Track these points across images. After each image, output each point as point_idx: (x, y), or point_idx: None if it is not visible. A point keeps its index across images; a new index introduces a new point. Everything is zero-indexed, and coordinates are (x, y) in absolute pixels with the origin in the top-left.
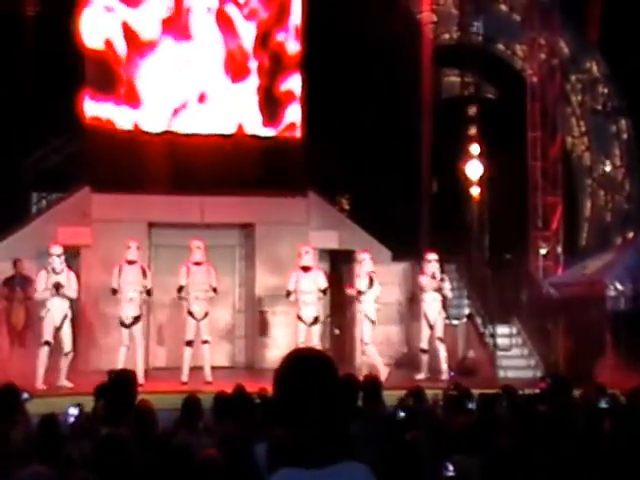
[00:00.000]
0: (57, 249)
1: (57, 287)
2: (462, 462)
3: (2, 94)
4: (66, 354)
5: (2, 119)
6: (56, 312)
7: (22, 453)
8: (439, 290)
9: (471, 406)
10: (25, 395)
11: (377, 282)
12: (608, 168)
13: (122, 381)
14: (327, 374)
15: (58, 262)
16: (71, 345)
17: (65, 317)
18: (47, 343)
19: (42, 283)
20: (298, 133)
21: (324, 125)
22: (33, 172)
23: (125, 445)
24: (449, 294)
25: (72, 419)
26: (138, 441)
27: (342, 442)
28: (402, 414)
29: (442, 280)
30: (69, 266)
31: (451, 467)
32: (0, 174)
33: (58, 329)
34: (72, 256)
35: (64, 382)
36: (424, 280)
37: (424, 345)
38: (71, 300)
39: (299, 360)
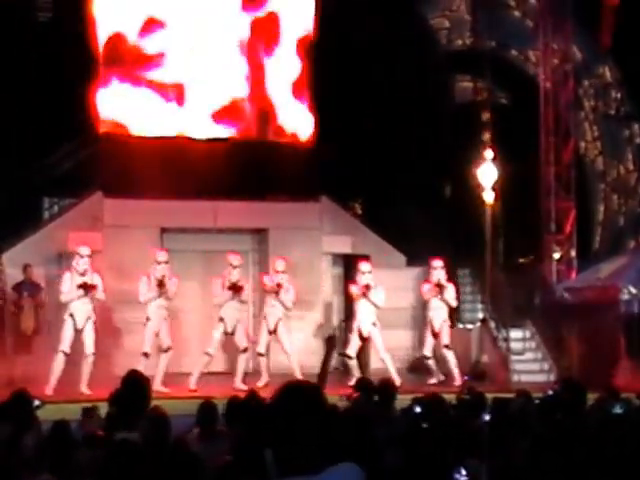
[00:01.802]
0: (85, 250)
1: (85, 288)
2: (475, 467)
3: (14, 99)
4: (87, 357)
5: (14, 124)
6: (79, 314)
7: (33, 460)
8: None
9: (485, 410)
10: (36, 402)
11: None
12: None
13: (135, 386)
14: (315, 401)
15: (83, 263)
16: (93, 348)
17: (88, 319)
18: (64, 353)
19: (67, 284)
20: (311, 138)
21: (337, 130)
22: (45, 177)
23: (136, 451)
24: (453, 303)
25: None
26: (151, 447)
27: (335, 447)
28: (418, 409)
29: (444, 288)
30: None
31: (464, 471)
32: (12, 179)
33: (80, 331)
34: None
35: (84, 389)
36: (425, 288)
37: (427, 352)
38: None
39: (290, 390)
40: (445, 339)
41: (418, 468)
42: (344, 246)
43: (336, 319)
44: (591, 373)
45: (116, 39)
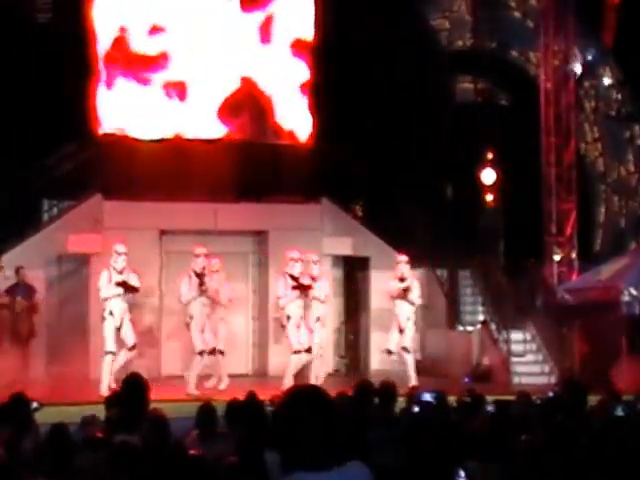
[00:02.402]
0: (122, 247)
1: (124, 287)
2: (474, 469)
3: (13, 100)
4: (129, 349)
5: (13, 125)
6: (117, 312)
7: (31, 463)
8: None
9: (488, 410)
10: (34, 404)
11: None
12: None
13: (134, 388)
14: (322, 403)
15: (121, 261)
16: (134, 340)
17: (125, 315)
18: (111, 353)
19: (105, 281)
20: (311, 139)
21: (338, 131)
22: (44, 179)
23: (136, 454)
24: (417, 301)
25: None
26: (151, 450)
27: (344, 446)
28: (417, 408)
29: (408, 287)
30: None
31: (463, 473)
32: (11, 181)
33: (118, 329)
34: (81, 263)
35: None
36: (392, 285)
37: (392, 347)
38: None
39: (297, 394)
40: (406, 340)
41: (418, 469)
42: (345, 248)
43: (337, 321)
44: (592, 375)
45: (118, 42)
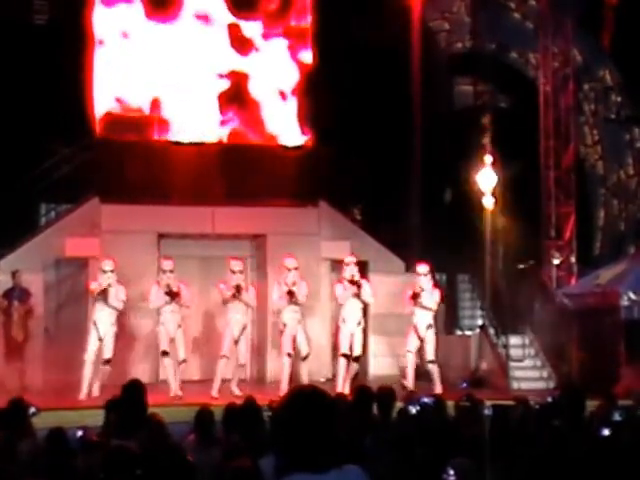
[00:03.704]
0: (169, 264)
1: (170, 295)
2: (463, 465)
3: (11, 103)
4: (180, 362)
5: (11, 129)
6: (170, 324)
7: (28, 467)
8: (357, 296)
9: (486, 415)
10: (32, 409)
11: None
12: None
13: (132, 393)
14: (323, 404)
15: (170, 277)
16: (184, 354)
17: (179, 327)
18: (165, 353)
19: (154, 292)
20: (309, 143)
21: (336, 135)
22: (42, 183)
23: (133, 458)
24: (369, 299)
25: None
26: (149, 454)
27: (342, 449)
28: (414, 410)
29: (358, 284)
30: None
31: (452, 471)
32: (9, 185)
33: (172, 340)
34: (79, 267)
35: (178, 392)
36: (337, 288)
37: (344, 350)
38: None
39: (298, 394)
40: (356, 347)
41: (411, 471)
42: (343, 252)
43: (335, 326)
44: (591, 380)
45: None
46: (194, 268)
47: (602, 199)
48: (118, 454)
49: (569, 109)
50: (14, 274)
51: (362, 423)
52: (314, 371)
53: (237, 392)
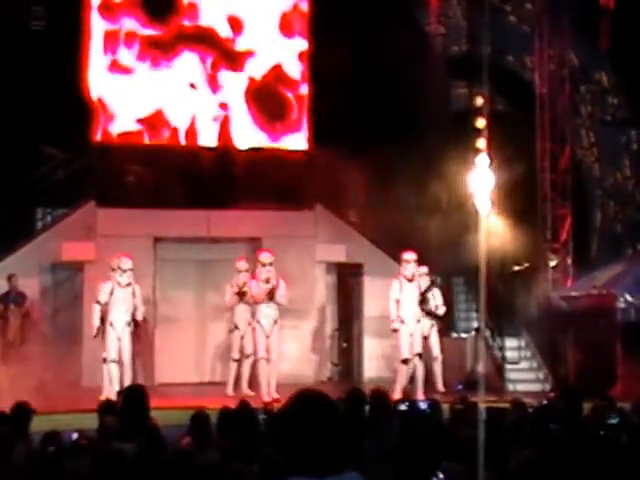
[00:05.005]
0: (243, 264)
1: (239, 295)
2: (452, 470)
3: (7, 108)
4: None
5: (7, 133)
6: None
7: (23, 471)
8: (272, 298)
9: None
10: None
11: None
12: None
13: (134, 397)
14: (327, 409)
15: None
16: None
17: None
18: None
19: (228, 293)
20: (305, 146)
21: (332, 138)
22: (38, 187)
23: (129, 461)
24: (281, 300)
25: None
26: (146, 458)
27: (341, 455)
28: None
29: (272, 286)
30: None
31: (441, 475)
32: (4, 190)
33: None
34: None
35: (247, 390)
36: (254, 287)
37: (261, 354)
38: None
39: (304, 398)
40: (273, 351)
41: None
42: (338, 254)
43: (330, 328)
44: (587, 382)
45: None
46: (190, 271)
47: (599, 201)
48: (114, 457)
49: (565, 111)
50: (10, 278)
51: (355, 427)
52: (306, 374)
53: (249, 392)
